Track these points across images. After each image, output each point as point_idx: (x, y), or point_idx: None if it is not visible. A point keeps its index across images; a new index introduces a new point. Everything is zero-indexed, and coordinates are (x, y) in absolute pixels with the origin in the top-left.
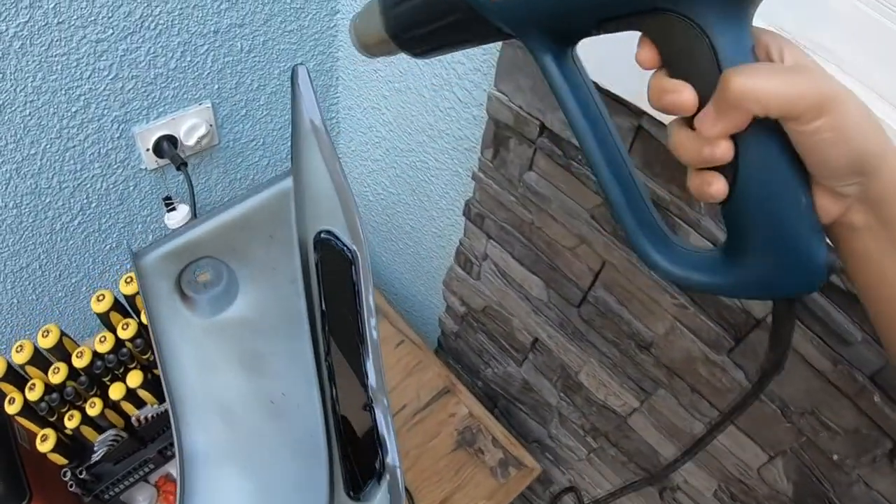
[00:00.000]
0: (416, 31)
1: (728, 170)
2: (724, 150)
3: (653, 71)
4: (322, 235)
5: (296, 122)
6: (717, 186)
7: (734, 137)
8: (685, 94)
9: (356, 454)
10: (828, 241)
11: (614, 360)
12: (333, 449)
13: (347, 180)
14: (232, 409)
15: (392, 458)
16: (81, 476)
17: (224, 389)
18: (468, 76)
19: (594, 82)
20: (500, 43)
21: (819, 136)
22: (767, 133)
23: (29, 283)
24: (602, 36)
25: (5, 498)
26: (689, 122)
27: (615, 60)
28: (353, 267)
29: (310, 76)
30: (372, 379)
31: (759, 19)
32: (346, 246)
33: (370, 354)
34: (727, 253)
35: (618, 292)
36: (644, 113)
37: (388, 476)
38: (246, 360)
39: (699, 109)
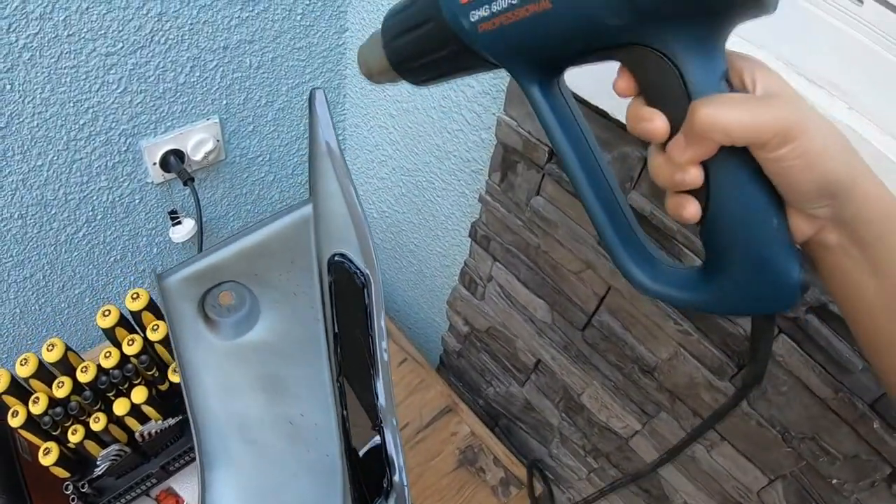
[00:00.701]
0: (414, 62)
1: (701, 193)
2: (694, 176)
3: (631, 98)
4: (336, 258)
5: (312, 145)
6: (691, 209)
7: (705, 163)
8: (657, 122)
9: (364, 472)
10: (805, 259)
11: (617, 383)
12: (345, 468)
13: (362, 204)
14: (252, 430)
15: (399, 476)
16: (83, 490)
17: (245, 411)
18: (477, 99)
19: (595, 106)
20: None
21: (785, 162)
22: (737, 159)
23: (32, 294)
24: (613, 66)
25: None
26: (664, 147)
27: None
28: (366, 290)
29: (327, 99)
30: (382, 399)
31: (751, 46)
32: (358, 269)
33: (380, 375)
34: (705, 271)
35: (622, 317)
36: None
37: (395, 494)
38: (266, 382)
39: (672, 136)
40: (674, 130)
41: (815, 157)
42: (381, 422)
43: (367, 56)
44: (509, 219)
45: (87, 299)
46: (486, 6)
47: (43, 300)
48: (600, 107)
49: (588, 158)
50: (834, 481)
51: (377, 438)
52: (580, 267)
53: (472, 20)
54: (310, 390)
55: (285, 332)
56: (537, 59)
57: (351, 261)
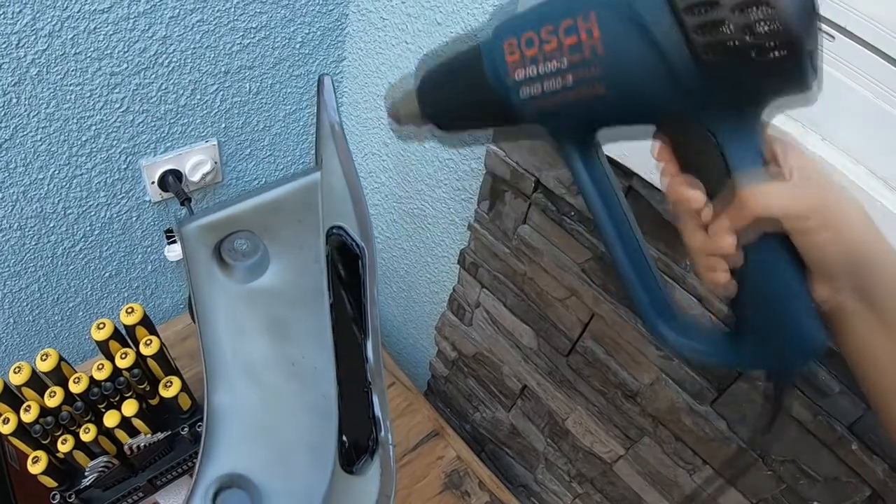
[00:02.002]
0: (448, 114)
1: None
2: (731, 250)
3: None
4: (334, 230)
5: (319, 126)
6: (725, 278)
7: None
8: (697, 194)
9: (351, 431)
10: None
11: (601, 408)
12: (340, 411)
13: (360, 182)
14: (256, 368)
15: (385, 434)
16: (70, 500)
17: (251, 349)
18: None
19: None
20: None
21: (820, 241)
22: (772, 237)
23: (27, 305)
24: None
25: None
26: (698, 213)
27: None
28: (361, 261)
29: (334, 86)
30: (371, 361)
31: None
32: (355, 242)
33: (370, 339)
34: (730, 330)
35: (606, 343)
36: (634, 174)
37: (380, 450)
38: (272, 324)
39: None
40: (710, 198)
41: (847, 235)
42: (370, 383)
43: (397, 100)
44: (497, 246)
45: (81, 313)
46: (538, 85)
47: (37, 312)
48: None
49: (620, 218)
50: (815, 503)
51: (365, 399)
52: (565, 294)
53: (522, 97)
54: (311, 335)
55: (292, 281)
56: (582, 127)
57: (348, 233)
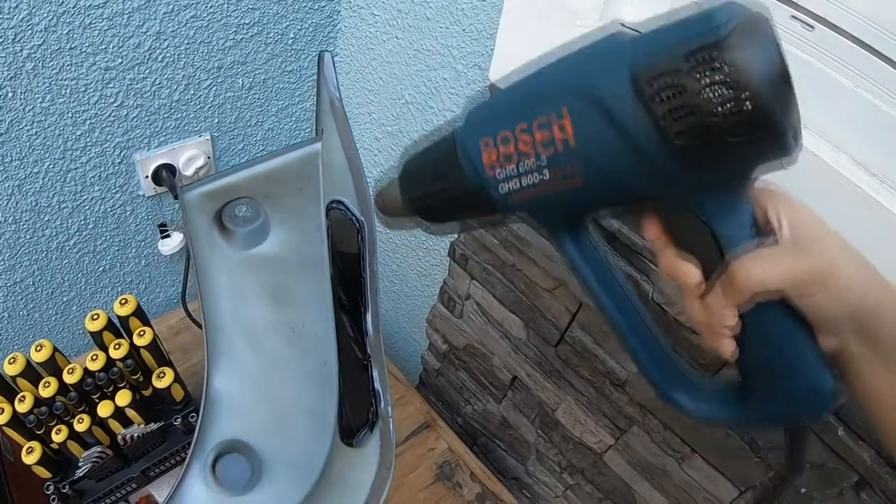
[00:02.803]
0: (435, 210)
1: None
2: (731, 322)
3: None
4: (333, 205)
5: (319, 101)
6: (729, 347)
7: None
8: (692, 272)
9: (351, 404)
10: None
11: (590, 397)
12: (341, 378)
13: (359, 157)
14: (257, 334)
15: (384, 407)
16: (64, 490)
17: (251, 315)
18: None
19: None
20: (487, 93)
21: (820, 302)
22: (771, 303)
23: (21, 299)
24: None
25: None
26: (697, 287)
27: None
28: (360, 235)
29: (333, 62)
30: (370, 334)
31: None
32: (354, 216)
33: (370, 312)
34: (741, 390)
35: (594, 332)
36: None
37: (380, 423)
38: (273, 290)
39: (706, 276)
40: (707, 275)
41: (846, 291)
42: (370, 356)
43: (384, 197)
44: (486, 238)
45: (75, 307)
46: (516, 180)
47: (31, 305)
48: None
49: (620, 297)
50: (803, 490)
51: (364, 372)
52: (553, 284)
53: (501, 192)
54: (312, 302)
55: (293, 248)
56: (567, 217)
57: (348, 208)
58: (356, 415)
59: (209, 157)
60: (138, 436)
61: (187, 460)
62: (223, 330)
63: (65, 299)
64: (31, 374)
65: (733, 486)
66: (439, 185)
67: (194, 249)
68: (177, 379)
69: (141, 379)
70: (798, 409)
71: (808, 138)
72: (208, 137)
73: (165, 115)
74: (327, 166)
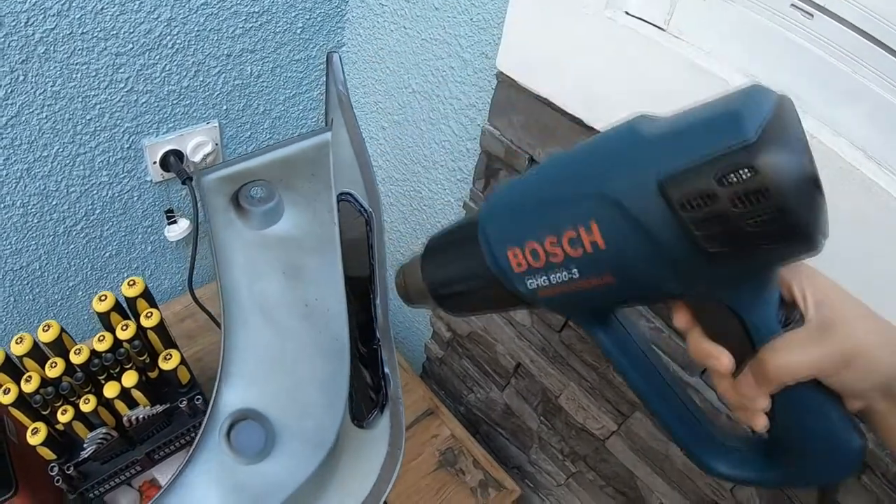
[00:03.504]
0: (460, 302)
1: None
2: (763, 404)
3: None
4: (342, 196)
5: (328, 97)
6: (761, 422)
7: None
8: (724, 360)
9: (361, 388)
10: None
11: (593, 383)
12: (353, 352)
13: (367, 151)
14: (271, 309)
15: (394, 390)
16: (69, 472)
17: (266, 290)
18: (464, 111)
19: (570, 114)
20: (494, 81)
21: (846, 380)
22: (802, 384)
23: (27, 283)
24: (590, 77)
25: None
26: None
27: (601, 98)
28: (369, 224)
29: (342, 61)
30: (379, 319)
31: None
32: (363, 206)
33: (379, 297)
34: (771, 453)
35: None
36: None
37: (390, 405)
38: (287, 268)
39: (737, 363)
40: (736, 357)
41: (872, 369)
42: (379, 340)
43: (407, 283)
44: None
45: (81, 292)
46: (545, 277)
47: (37, 290)
48: (576, 114)
49: (652, 374)
50: None
51: (375, 355)
52: None
53: (530, 287)
54: (325, 280)
55: (306, 229)
56: (597, 310)
57: (356, 199)
58: (366, 398)
59: (217, 144)
60: (143, 417)
61: (202, 427)
62: (239, 304)
63: (71, 284)
64: (38, 354)
65: None
66: (466, 284)
67: (212, 228)
68: (183, 361)
69: (147, 360)
70: (829, 469)
71: (811, 123)
72: (216, 124)
73: (175, 102)
74: (336, 159)
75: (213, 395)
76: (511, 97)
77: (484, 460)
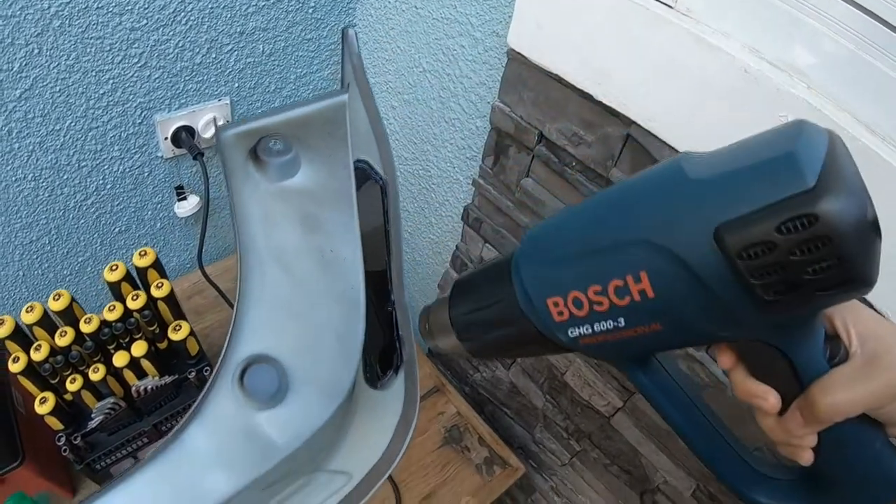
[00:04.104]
0: (490, 348)
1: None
2: (811, 441)
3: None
4: (358, 164)
5: (343, 67)
6: (807, 457)
7: None
8: (771, 400)
9: (376, 349)
10: None
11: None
12: (367, 300)
13: (382, 120)
14: (288, 258)
15: (409, 352)
16: (76, 442)
17: (283, 240)
18: (474, 89)
19: (580, 89)
20: (504, 59)
21: (893, 412)
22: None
23: (37, 258)
24: (600, 53)
25: (0, 456)
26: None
27: (610, 73)
28: (384, 190)
29: (357, 36)
30: (394, 282)
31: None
32: (378, 174)
33: (393, 261)
34: (813, 483)
35: None
36: (633, 122)
37: (405, 367)
38: (303, 218)
39: (783, 401)
40: (782, 395)
41: None
42: (394, 303)
43: (432, 323)
44: (500, 201)
45: (90, 268)
46: (588, 326)
47: (46, 265)
48: (585, 90)
49: (692, 412)
50: None
51: (390, 318)
52: None
53: (571, 336)
54: (341, 231)
55: (322, 183)
56: (640, 355)
57: (372, 167)
58: (381, 360)
59: (228, 121)
60: (152, 388)
61: (214, 371)
62: (256, 253)
63: (80, 259)
64: (48, 323)
65: None
66: (500, 331)
67: (229, 181)
68: (192, 333)
69: (157, 331)
70: (871, 496)
71: (816, 100)
72: (227, 102)
73: (187, 78)
74: (352, 128)
75: (227, 340)
76: (521, 74)
77: (489, 438)
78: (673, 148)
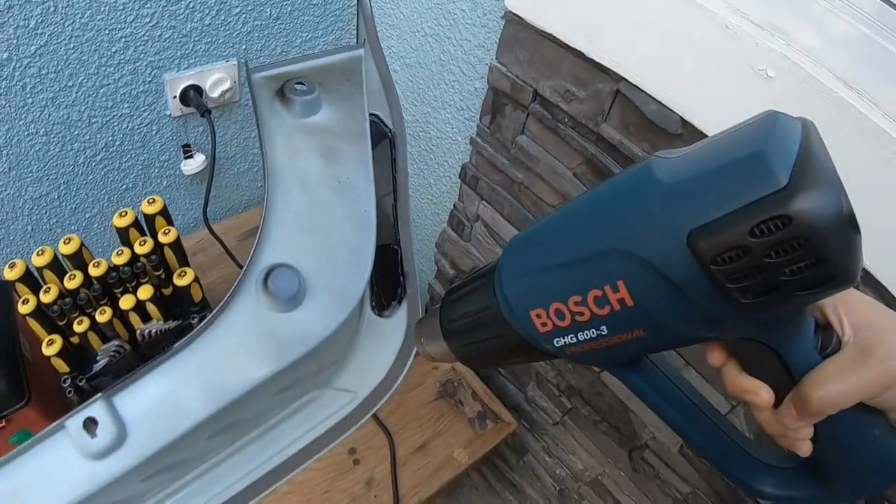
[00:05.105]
0: (481, 358)
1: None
2: (807, 433)
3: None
4: (369, 118)
5: (358, 30)
6: (805, 448)
7: None
8: (763, 395)
9: (382, 282)
10: None
11: None
12: (377, 223)
13: (392, 78)
14: (308, 181)
15: (412, 287)
16: (81, 384)
17: (304, 166)
18: (473, 52)
19: (572, 47)
20: (502, 22)
21: (889, 398)
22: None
23: (45, 212)
24: (592, 13)
25: (7, 397)
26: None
27: (602, 31)
28: (392, 143)
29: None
30: (400, 221)
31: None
32: (388, 127)
33: (399, 202)
34: (816, 469)
35: None
36: (622, 78)
37: (408, 298)
38: (323, 151)
39: (777, 394)
40: (775, 390)
41: None
42: (399, 241)
43: (425, 339)
44: (496, 158)
45: (96, 224)
46: (572, 336)
47: (54, 220)
48: (577, 47)
49: (689, 409)
50: None
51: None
52: (558, 200)
53: (557, 345)
54: (356, 163)
55: (340, 122)
56: (628, 360)
57: (381, 120)
58: (386, 292)
59: (234, 82)
60: (156, 332)
61: (239, 276)
62: (281, 176)
63: (87, 216)
64: (58, 267)
65: (726, 401)
66: (489, 343)
67: (258, 115)
68: (196, 280)
69: (163, 276)
70: (876, 480)
71: (795, 56)
72: (235, 63)
73: (196, 39)
74: (365, 83)
75: (253, 249)
76: (518, 35)
77: (483, 393)
78: (659, 101)
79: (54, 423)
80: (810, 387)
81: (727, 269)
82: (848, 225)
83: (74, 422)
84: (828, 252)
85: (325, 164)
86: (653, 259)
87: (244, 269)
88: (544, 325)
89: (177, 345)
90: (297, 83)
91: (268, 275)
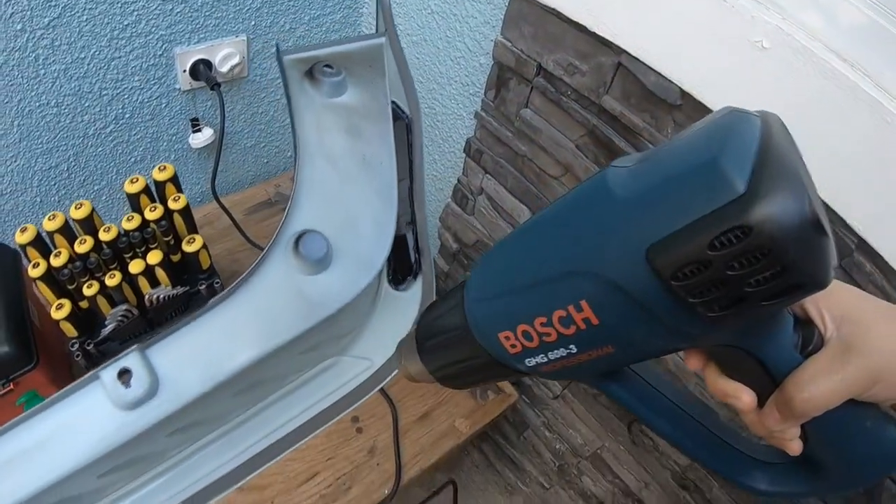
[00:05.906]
0: (458, 379)
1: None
2: (793, 433)
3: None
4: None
5: (377, 20)
6: (795, 447)
7: None
8: (745, 398)
9: (399, 258)
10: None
11: None
12: (397, 197)
13: (408, 65)
14: (335, 156)
15: (427, 263)
16: (88, 348)
17: (331, 142)
18: (479, 28)
19: (575, 21)
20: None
21: (876, 393)
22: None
23: (54, 184)
24: None
25: (15, 360)
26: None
27: (604, 5)
28: (409, 126)
29: None
30: (416, 202)
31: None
32: (405, 113)
33: (415, 184)
34: (812, 463)
35: None
36: (623, 51)
37: (422, 273)
38: (349, 129)
39: (759, 395)
40: (760, 394)
41: None
42: (415, 219)
43: (405, 361)
44: (500, 132)
45: (105, 197)
46: (542, 356)
47: (63, 192)
48: (580, 21)
49: (675, 413)
50: None
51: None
52: (560, 171)
53: (529, 365)
54: (379, 141)
55: (364, 103)
56: (603, 373)
57: (399, 106)
58: (403, 268)
59: (243, 57)
60: (164, 297)
61: (271, 241)
62: (309, 151)
63: (96, 188)
64: (68, 232)
65: None
66: (464, 364)
67: (289, 94)
68: (204, 246)
69: (172, 242)
70: (871, 471)
71: (789, 27)
72: (244, 38)
73: (207, 13)
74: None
75: (285, 216)
76: (522, 10)
77: None
78: (659, 73)
79: (88, 374)
80: (793, 389)
81: (689, 285)
82: (812, 229)
83: (109, 372)
84: (792, 260)
85: (351, 141)
86: (613, 277)
87: (276, 233)
88: (513, 346)
89: (211, 301)
90: (326, 66)
91: (298, 240)
